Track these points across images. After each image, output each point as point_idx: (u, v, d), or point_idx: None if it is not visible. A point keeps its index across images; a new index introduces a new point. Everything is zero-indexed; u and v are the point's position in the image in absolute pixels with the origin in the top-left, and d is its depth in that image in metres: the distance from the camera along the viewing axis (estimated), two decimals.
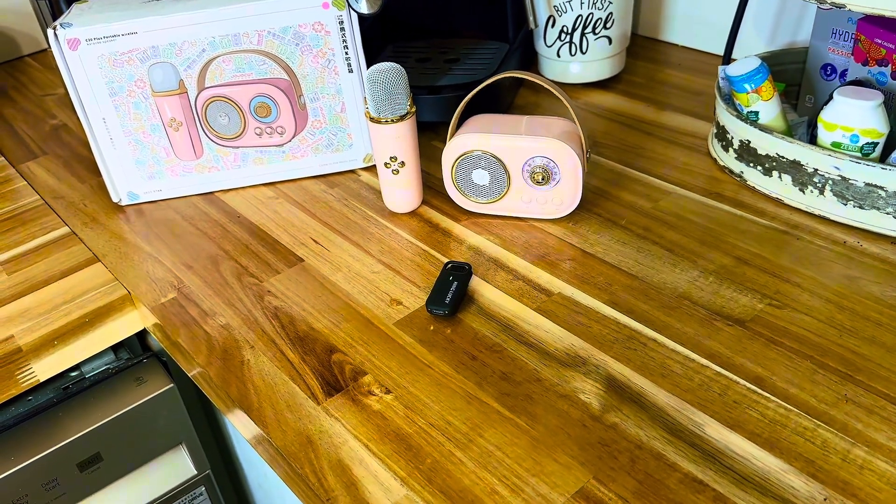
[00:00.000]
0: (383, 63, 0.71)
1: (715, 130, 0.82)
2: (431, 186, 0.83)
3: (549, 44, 0.98)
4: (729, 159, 0.79)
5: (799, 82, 0.86)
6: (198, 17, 0.76)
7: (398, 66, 0.71)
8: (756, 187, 0.76)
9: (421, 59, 1.02)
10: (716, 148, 0.82)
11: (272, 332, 0.65)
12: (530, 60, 1.06)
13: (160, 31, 0.76)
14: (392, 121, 0.72)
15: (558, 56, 0.98)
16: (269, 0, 0.76)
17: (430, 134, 0.94)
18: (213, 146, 0.83)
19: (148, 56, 0.77)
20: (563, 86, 1.02)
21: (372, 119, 0.73)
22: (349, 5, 0.75)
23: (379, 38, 1.06)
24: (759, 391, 0.55)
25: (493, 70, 0.95)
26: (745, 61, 0.74)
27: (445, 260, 0.72)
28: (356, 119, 0.84)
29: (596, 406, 0.55)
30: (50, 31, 0.75)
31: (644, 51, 1.10)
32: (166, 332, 0.68)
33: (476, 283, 0.69)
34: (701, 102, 0.95)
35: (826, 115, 0.69)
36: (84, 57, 0.76)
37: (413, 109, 0.74)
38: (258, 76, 0.80)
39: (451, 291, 0.65)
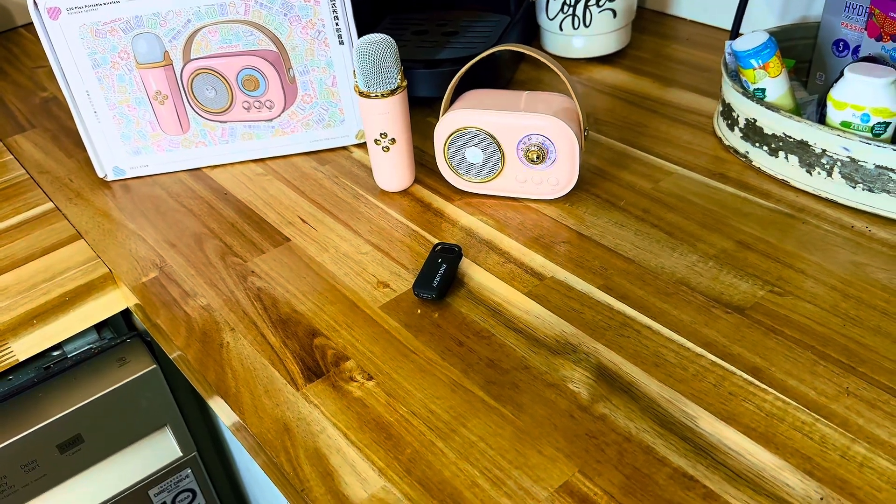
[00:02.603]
0: (373, 35, 0.69)
1: (721, 108, 0.79)
2: (425, 164, 0.81)
3: (551, 16, 0.95)
4: (734, 138, 0.76)
5: (810, 59, 0.83)
6: None
7: (388, 37, 0.69)
8: (762, 168, 0.73)
9: (418, 32, 0.99)
10: (721, 127, 0.79)
11: (254, 314, 0.63)
12: (532, 34, 1.03)
13: (144, 1, 0.73)
14: (382, 95, 0.70)
15: (560, 29, 0.95)
16: None
17: (426, 110, 0.92)
18: (200, 120, 0.81)
19: (131, 26, 0.75)
20: (565, 61, 0.99)
21: (361, 93, 0.71)
22: None
23: (376, 9, 1.03)
24: (757, 382, 0.53)
25: (492, 44, 0.92)
26: (753, 36, 0.71)
27: (435, 240, 0.70)
28: (348, 93, 0.81)
29: (585, 396, 0.53)
30: (29, 1, 0.73)
31: (651, 25, 1.07)
32: (146, 312, 0.66)
33: (466, 265, 0.66)
34: (708, 79, 0.91)
35: (836, 93, 0.66)
36: (65, 26, 0.74)
37: (404, 84, 0.71)
38: (245, 48, 0.77)
39: (440, 275, 0.63)
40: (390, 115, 0.71)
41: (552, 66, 0.69)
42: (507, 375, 0.55)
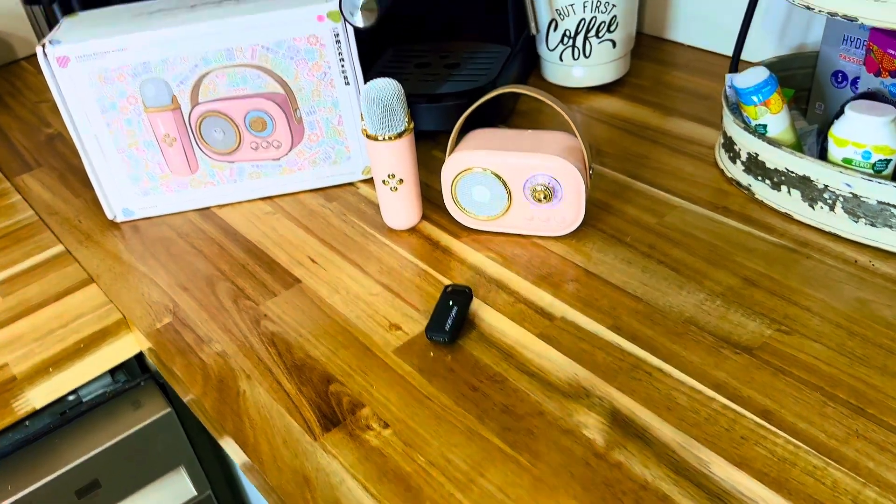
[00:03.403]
0: (380, 80, 0.69)
1: (722, 140, 0.80)
2: (431, 200, 0.82)
3: (551, 48, 0.96)
4: (737, 171, 0.77)
5: (808, 87, 0.84)
6: (189, 33, 0.74)
7: (395, 82, 0.70)
8: (764, 201, 0.74)
9: (420, 64, 1.00)
10: (723, 159, 0.80)
11: (268, 359, 0.64)
12: (532, 64, 1.04)
13: (151, 47, 0.74)
14: (390, 138, 0.71)
15: (561, 60, 0.96)
16: (261, 14, 0.74)
17: (430, 143, 0.93)
18: (209, 161, 0.82)
19: (139, 72, 0.75)
20: (565, 90, 1.00)
21: (369, 136, 0.71)
22: (344, 18, 0.73)
23: (378, 41, 1.04)
24: (767, 426, 0.54)
25: (494, 76, 0.93)
26: (754, 72, 0.72)
27: (445, 280, 0.71)
28: (354, 131, 0.82)
29: (600, 442, 0.54)
30: (38, 49, 0.74)
31: (649, 51, 1.08)
32: (162, 360, 0.67)
33: (477, 305, 0.67)
34: (708, 107, 0.93)
35: (837, 131, 0.67)
36: (74, 74, 0.75)
37: (411, 126, 0.72)
38: (253, 90, 0.78)
39: (451, 317, 0.64)
40: (398, 156, 0.72)
41: (557, 108, 0.70)
42: (522, 422, 0.56)
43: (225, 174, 0.83)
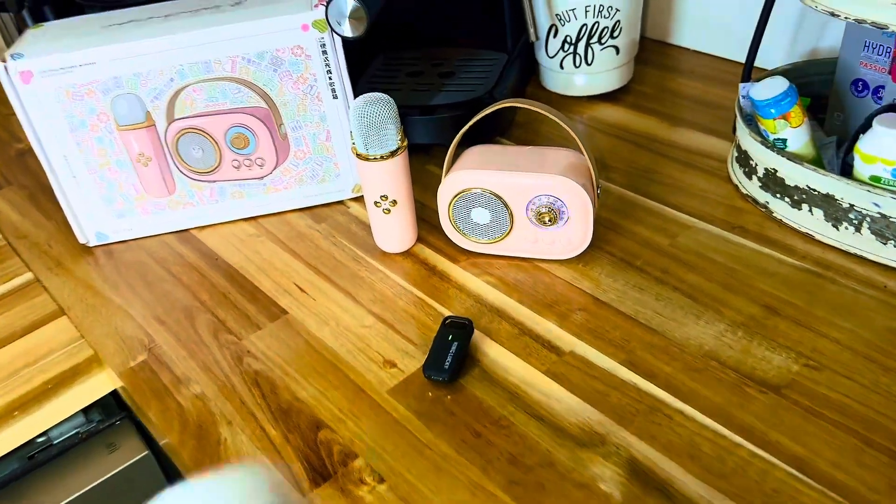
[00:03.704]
0: (370, 95, 0.64)
1: (736, 154, 0.76)
2: (426, 220, 0.77)
3: (551, 54, 0.91)
4: (752, 187, 0.73)
5: (823, 95, 0.79)
6: (163, 44, 0.69)
7: (387, 97, 0.65)
8: (783, 220, 0.70)
9: (412, 73, 0.95)
10: (737, 173, 0.75)
11: (252, 402, 0.59)
12: (531, 72, 0.99)
13: (122, 61, 0.69)
14: (382, 157, 0.66)
15: (561, 67, 0.91)
16: (242, 24, 0.69)
17: (424, 157, 0.87)
18: (187, 181, 0.77)
19: (110, 87, 0.70)
20: (566, 99, 0.95)
21: (359, 156, 0.66)
22: (331, 28, 0.68)
23: (367, 49, 0.99)
24: (801, 476, 0.49)
25: (491, 86, 0.88)
26: (771, 83, 0.67)
27: (443, 309, 0.66)
28: (343, 147, 0.77)
29: (618, 498, 0.49)
30: None
31: (653, 56, 1.03)
32: (137, 403, 0.61)
33: (479, 338, 0.62)
34: (718, 117, 0.88)
35: (864, 146, 0.62)
36: (39, 90, 0.69)
37: (404, 143, 0.67)
38: (233, 105, 0.73)
39: (451, 354, 0.59)
40: (390, 177, 0.67)
41: (563, 124, 0.65)
42: (531, 474, 0.51)
43: (205, 194, 0.78)
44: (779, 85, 0.66)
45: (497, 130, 0.87)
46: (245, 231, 0.79)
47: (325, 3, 0.68)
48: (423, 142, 0.86)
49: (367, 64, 0.98)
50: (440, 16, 1.03)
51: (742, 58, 0.97)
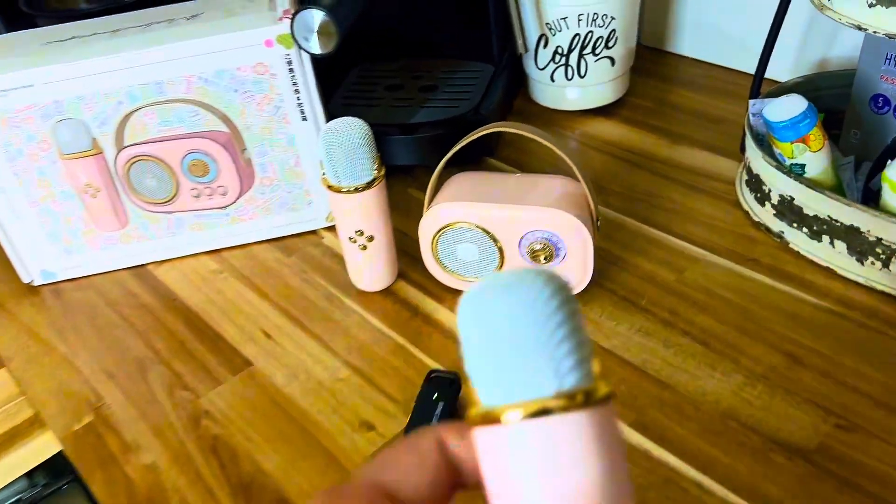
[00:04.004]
0: (341, 120, 0.58)
1: (746, 177, 0.69)
2: (408, 252, 0.70)
3: (541, 66, 0.84)
4: (765, 215, 0.66)
5: (838, 109, 0.73)
6: (109, 64, 0.62)
7: (361, 122, 0.58)
8: (801, 252, 0.64)
9: (392, 87, 0.88)
10: (747, 198, 0.69)
11: (209, 475, 0.52)
12: (519, 84, 0.92)
13: (63, 82, 0.62)
14: (356, 189, 0.59)
15: (552, 80, 0.85)
16: (197, 40, 0.62)
17: (405, 180, 0.81)
18: (141, 212, 0.70)
19: (51, 112, 0.63)
20: (557, 113, 0.88)
21: (330, 187, 0.60)
22: (298, 44, 0.61)
23: (342, 61, 0.92)
24: None
25: (477, 102, 0.81)
26: (788, 102, 0.61)
27: (426, 358, 0.59)
28: (315, 172, 0.70)
29: None
30: None
31: (649, 65, 0.96)
32: (80, 473, 0.54)
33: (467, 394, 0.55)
34: (722, 133, 0.82)
35: (894, 174, 0.56)
36: None
37: (381, 173, 0.60)
38: (190, 130, 0.66)
39: (436, 416, 0.52)
40: (366, 210, 0.60)
41: (558, 151, 0.58)
42: None
43: (161, 227, 0.71)
44: (796, 104, 0.60)
45: (485, 150, 0.81)
46: (206, 266, 0.72)
47: (290, 17, 0.61)
48: (404, 163, 0.79)
49: (341, 77, 0.91)
50: (421, 23, 0.96)
51: (745, 66, 0.91)
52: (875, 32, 0.53)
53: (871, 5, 0.53)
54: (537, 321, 0.21)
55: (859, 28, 0.54)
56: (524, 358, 0.21)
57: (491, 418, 0.21)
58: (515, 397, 0.21)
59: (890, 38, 0.52)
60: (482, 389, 0.22)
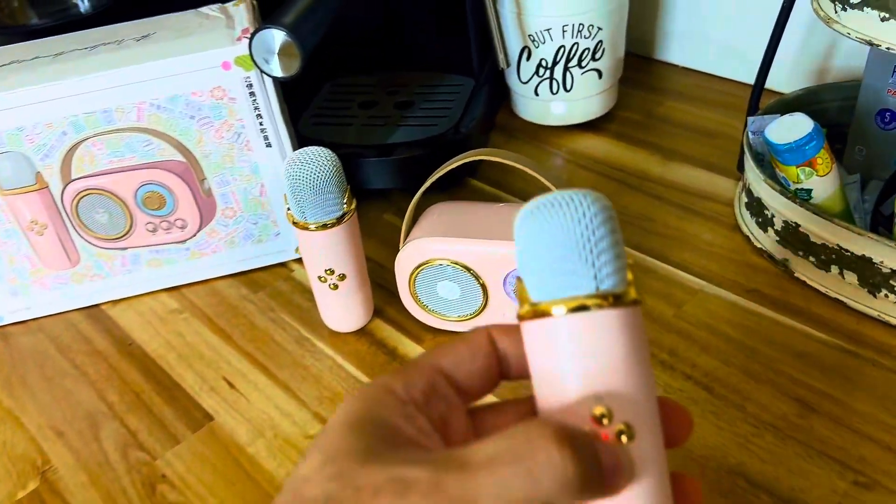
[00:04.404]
0: (306, 150, 0.53)
1: (746, 199, 0.65)
2: (384, 286, 0.65)
3: (524, 80, 0.80)
4: (768, 241, 0.62)
5: (842, 123, 0.69)
6: (51, 92, 0.57)
7: (328, 153, 0.53)
8: (807, 282, 0.60)
9: (366, 104, 0.83)
10: (748, 223, 0.65)
11: None
12: (502, 98, 0.87)
13: (1, 113, 0.57)
14: (324, 226, 0.54)
15: (536, 94, 0.80)
16: (148, 63, 0.57)
17: (381, 204, 0.76)
18: (93, 249, 0.65)
19: None
20: (542, 129, 0.84)
21: (296, 223, 0.55)
22: (258, 66, 0.57)
23: (312, 77, 0.87)
24: None
25: (456, 119, 0.77)
26: (791, 122, 0.57)
27: None
28: (282, 202, 0.65)
29: None
30: None
31: (637, 75, 0.92)
32: None
33: None
34: (717, 148, 0.78)
35: None
36: None
37: (352, 206, 0.56)
38: (143, 160, 0.61)
39: None
40: (336, 248, 0.56)
41: (546, 182, 0.54)
42: None
43: (115, 264, 0.66)
44: (802, 125, 0.56)
45: (466, 170, 0.76)
46: (165, 306, 0.67)
47: (249, 37, 0.56)
48: (380, 187, 0.74)
49: (311, 94, 0.86)
50: (396, 34, 0.92)
51: (738, 75, 0.87)
52: (889, 49, 0.49)
53: (884, 19, 0.49)
54: (583, 234, 0.25)
55: (870, 44, 0.50)
56: (571, 263, 0.25)
57: (539, 312, 0.26)
58: (560, 294, 0.25)
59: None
60: (533, 289, 0.26)
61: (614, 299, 0.25)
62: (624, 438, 0.25)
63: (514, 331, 0.28)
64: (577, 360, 0.25)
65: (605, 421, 0.25)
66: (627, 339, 0.26)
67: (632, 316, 0.26)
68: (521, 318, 0.27)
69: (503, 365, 0.29)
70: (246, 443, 0.54)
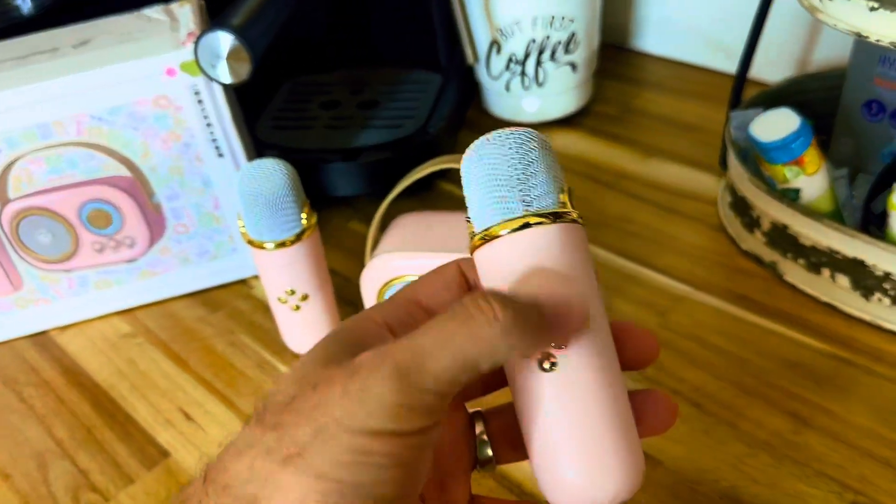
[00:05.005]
0: (259, 163, 0.50)
1: (730, 199, 0.63)
2: (350, 301, 0.62)
3: (494, 75, 0.77)
4: (755, 243, 0.60)
5: (828, 113, 0.67)
6: None
7: (283, 165, 0.50)
8: (797, 286, 0.58)
9: (327, 104, 0.80)
10: (732, 223, 0.63)
11: None
12: (472, 94, 0.84)
13: None
14: (282, 244, 0.51)
15: (507, 90, 0.78)
16: (85, 73, 0.54)
17: (345, 211, 0.73)
18: (37, 272, 0.61)
19: None
20: (517, 125, 0.81)
21: (251, 242, 0.52)
22: (205, 73, 0.53)
23: (269, 76, 0.84)
24: None
25: (424, 119, 0.74)
26: (777, 117, 0.55)
27: None
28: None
29: None
30: None
31: (612, 65, 0.90)
32: None
33: None
34: (697, 143, 0.75)
35: None
36: None
37: (313, 221, 0.53)
38: (86, 176, 0.57)
39: None
40: (295, 268, 0.53)
41: None
42: None
43: (62, 287, 0.62)
44: (788, 121, 0.54)
45: (436, 173, 0.73)
46: (117, 330, 0.63)
47: (195, 41, 0.53)
48: (345, 194, 0.71)
49: (269, 95, 0.82)
50: (358, 28, 0.88)
51: (718, 63, 0.85)
52: (878, 42, 0.46)
53: (872, 9, 0.46)
54: (514, 163, 0.28)
55: (859, 35, 0.47)
56: (509, 189, 0.28)
57: (486, 238, 0.28)
58: (502, 218, 0.28)
59: (894, 47, 0.46)
60: (477, 220, 0.29)
61: (553, 217, 0.27)
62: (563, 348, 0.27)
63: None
64: (520, 274, 0.27)
65: None
66: (569, 254, 0.28)
67: (571, 232, 0.28)
68: (472, 250, 0.29)
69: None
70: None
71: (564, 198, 0.28)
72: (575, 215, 0.28)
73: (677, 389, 0.52)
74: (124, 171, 0.58)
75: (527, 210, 0.28)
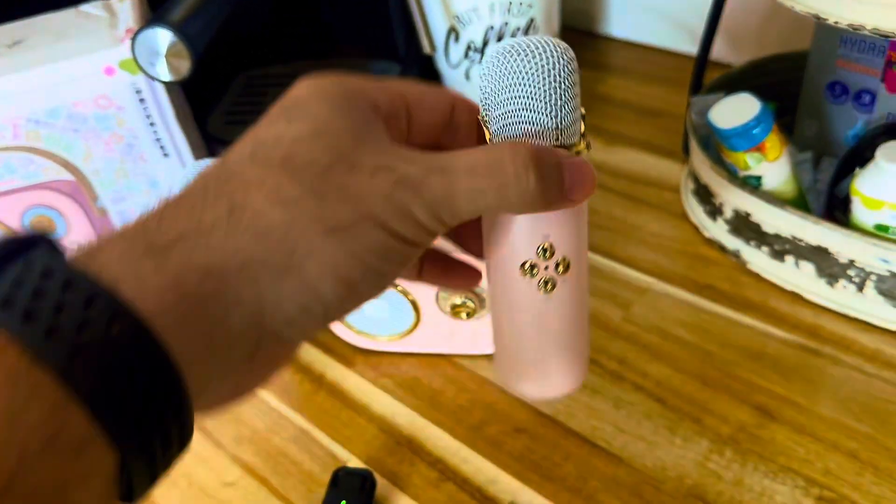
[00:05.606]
0: (202, 163, 0.48)
1: (693, 186, 0.63)
2: None
3: (453, 63, 0.76)
4: (718, 231, 0.60)
5: (792, 94, 0.66)
6: None
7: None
8: (761, 275, 0.57)
9: None
10: (695, 211, 0.62)
11: None
12: (432, 83, 0.83)
13: None
14: None
15: (467, 78, 0.76)
16: (19, 74, 0.52)
17: None
18: None
19: None
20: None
21: None
22: (143, 71, 0.51)
23: (225, 67, 0.82)
24: None
25: None
26: (737, 103, 0.54)
27: (333, 446, 0.51)
28: None
29: None
30: None
31: (576, 50, 0.87)
32: None
33: (384, 491, 0.48)
34: (662, 128, 0.75)
35: (866, 187, 0.50)
36: None
37: None
38: (27, 182, 0.56)
39: None
40: None
41: None
42: None
43: None
44: (748, 107, 0.53)
45: None
46: None
47: (132, 38, 0.51)
48: None
49: (223, 87, 0.80)
50: (314, 17, 0.86)
51: (682, 47, 0.84)
52: (836, 24, 0.45)
53: None
54: (549, 80, 0.29)
55: (818, 18, 0.47)
56: (536, 109, 0.28)
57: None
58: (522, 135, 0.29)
59: (855, 29, 0.45)
60: (498, 130, 0.29)
61: (570, 149, 0.29)
62: (560, 269, 0.31)
63: (473, 111, 0.31)
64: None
65: (547, 254, 0.30)
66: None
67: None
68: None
69: (450, 132, 0.32)
70: (157, 495, 0.49)
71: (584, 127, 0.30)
72: (585, 146, 0.30)
73: (640, 384, 0.51)
74: (66, 175, 0.56)
75: (559, 131, 0.29)
